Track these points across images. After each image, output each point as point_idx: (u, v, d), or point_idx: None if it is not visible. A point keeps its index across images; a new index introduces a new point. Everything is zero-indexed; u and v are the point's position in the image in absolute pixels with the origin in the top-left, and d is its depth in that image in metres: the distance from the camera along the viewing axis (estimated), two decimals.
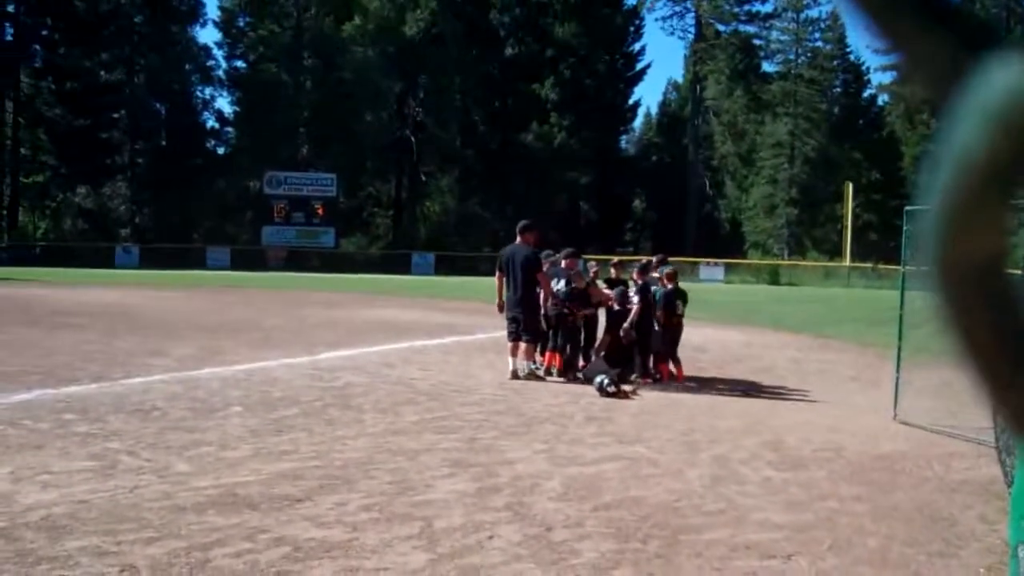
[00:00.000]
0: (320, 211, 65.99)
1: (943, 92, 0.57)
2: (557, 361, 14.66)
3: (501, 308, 14.72)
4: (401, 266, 60.41)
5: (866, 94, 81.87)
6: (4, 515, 6.91)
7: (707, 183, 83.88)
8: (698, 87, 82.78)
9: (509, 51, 77.55)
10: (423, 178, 78.32)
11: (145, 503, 7.30)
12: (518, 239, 14.91)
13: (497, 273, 14.81)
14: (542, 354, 14.90)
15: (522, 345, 14.35)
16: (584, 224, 77.57)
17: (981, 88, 0.55)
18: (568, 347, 14.57)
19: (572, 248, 15.38)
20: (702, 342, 14.21)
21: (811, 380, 15.31)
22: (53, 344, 15.11)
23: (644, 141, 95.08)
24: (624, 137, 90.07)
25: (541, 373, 14.43)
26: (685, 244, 72.92)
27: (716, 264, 61.71)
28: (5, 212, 70.05)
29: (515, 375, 14.06)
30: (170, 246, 59.95)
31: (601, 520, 7.19)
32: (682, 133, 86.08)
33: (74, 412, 10.91)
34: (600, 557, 6.33)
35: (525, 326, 14.25)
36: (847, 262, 58.90)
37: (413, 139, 76.06)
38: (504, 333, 14.86)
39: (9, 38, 71.44)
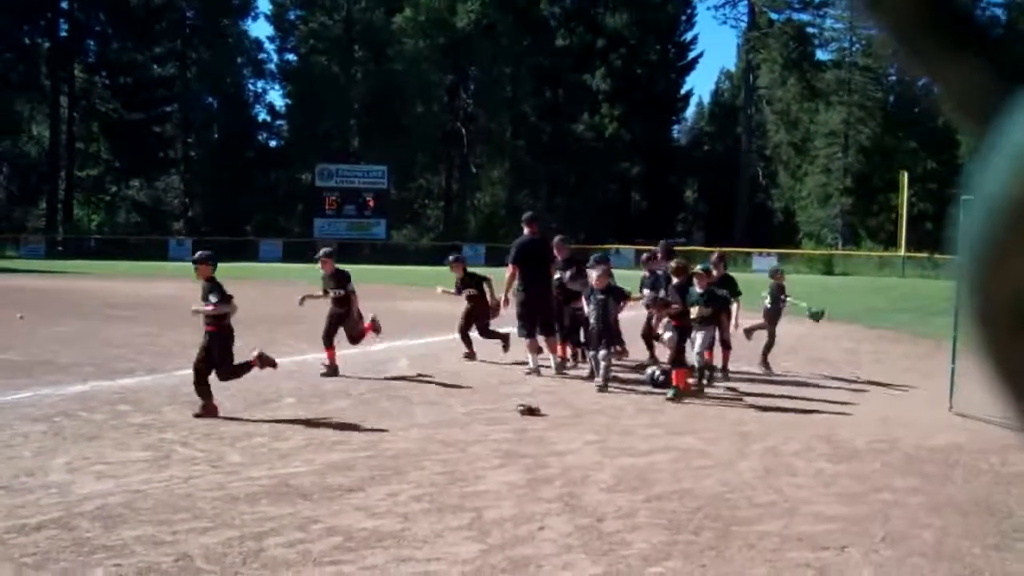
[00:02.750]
0: (371, 203, 66.22)
1: (978, 122, 0.55)
2: (563, 351, 14.49)
3: (507, 303, 14.50)
4: (447, 262, 60.61)
5: (922, 82, 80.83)
6: (61, 505, 7.01)
7: (760, 172, 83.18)
8: (751, 76, 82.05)
9: (560, 41, 77.29)
10: (474, 170, 78.39)
11: (199, 493, 7.37)
12: (525, 230, 14.42)
13: (512, 267, 14.15)
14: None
15: (541, 340, 14.04)
16: (635, 214, 77.27)
17: (1014, 129, 0.52)
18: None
19: (601, 254, 15.72)
20: (756, 333, 14.09)
21: (865, 371, 15.14)
22: (108, 336, 15.31)
23: (696, 131, 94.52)
24: (676, 127, 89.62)
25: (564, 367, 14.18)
26: (737, 234, 72.39)
27: (769, 254, 61.17)
28: (60, 205, 71.08)
29: (560, 369, 13.90)
30: (223, 239, 60.50)
31: (652, 511, 7.16)
32: (735, 122, 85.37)
33: (129, 403, 11.05)
34: (651, 548, 6.30)
35: (552, 321, 14.03)
36: (902, 252, 58.12)
37: (464, 131, 76.14)
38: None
39: (63, 33, 72.41)
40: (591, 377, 12.93)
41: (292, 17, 77.95)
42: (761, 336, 14.44)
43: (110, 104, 72.37)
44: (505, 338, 15.11)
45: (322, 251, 14.38)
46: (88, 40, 73.84)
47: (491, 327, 15.25)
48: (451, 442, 9.40)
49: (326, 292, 13.80)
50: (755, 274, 49.85)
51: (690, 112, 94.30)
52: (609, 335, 12.70)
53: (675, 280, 12.60)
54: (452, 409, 11.19)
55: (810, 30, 78.49)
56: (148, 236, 66.70)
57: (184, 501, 7.18)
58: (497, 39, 73.68)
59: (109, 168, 73.76)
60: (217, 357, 10.42)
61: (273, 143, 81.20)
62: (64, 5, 72.31)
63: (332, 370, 13.37)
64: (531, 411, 10.72)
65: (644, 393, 12.36)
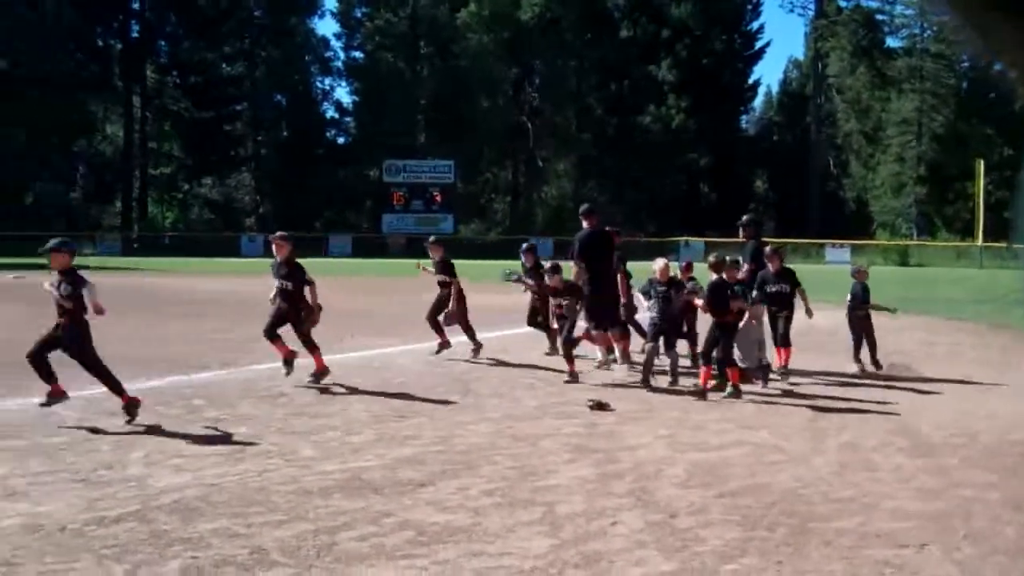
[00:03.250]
0: (438, 198, 66.50)
1: None
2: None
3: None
4: (519, 251, 60.46)
5: (997, 67, 79.04)
6: (138, 498, 7.10)
7: (831, 162, 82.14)
8: (820, 64, 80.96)
9: (624, 33, 76.90)
10: (540, 163, 78.35)
11: (273, 487, 7.43)
12: (585, 224, 13.98)
13: (579, 260, 13.67)
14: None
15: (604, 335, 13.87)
16: (704, 206, 76.69)
17: None
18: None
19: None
20: (830, 325, 13.82)
21: (942, 363, 14.84)
22: (182, 332, 15.55)
23: (765, 120, 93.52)
24: (744, 117, 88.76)
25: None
26: (809, 225, 71.53)
27: (842, 246, 60.40)
28: (135, 203, 72.29)
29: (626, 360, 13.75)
30: (293, 234, 61.07)
31: (726, 507, 7.07)
32: (804, 112, 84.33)
33: (203, 398, 11.18)
34: (725, 545, 6.22)
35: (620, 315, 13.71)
36: (979, 242, 57.00)
37: (529, 124, 76.13)
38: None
39: (135, 34, 73.64)
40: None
41: (358, 14, 78.56)
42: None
43: (181, 103, 73.52)
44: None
45: (277, 233, 13.01)
46: (159, 40, 75.07)
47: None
48: (522, 436, 9.38)
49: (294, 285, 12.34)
50: (828, 266, 49.27)
51: (758, 102, 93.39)
52: (676, 329, 12.57)
53: (713, 277, 12.14)
54: (522, 403, 11.17)
55: (880, 17, 77.35)
56: (220, 233, 67.57)
57: (258, 494, 7.24)
58: (561, 32, 73.54)
59: (181, 166, 74.95)
60: (74, 347, 9.87)
61: (341, 140, 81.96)
62: (136, 6, 73.62)
63: (287, 363, 12.19)
64: (601, 406, 10.65)
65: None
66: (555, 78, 76.56)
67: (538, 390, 12.04)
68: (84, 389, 10.41)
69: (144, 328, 18.07)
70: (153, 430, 9.49)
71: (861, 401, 11.53)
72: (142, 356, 11.71)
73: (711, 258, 12.26)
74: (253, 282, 32.57)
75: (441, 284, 14.90)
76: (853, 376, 13.45)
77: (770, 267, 13.11)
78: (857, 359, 13.78)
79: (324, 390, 11.85)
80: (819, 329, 15.80)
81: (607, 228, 14.63)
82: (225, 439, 9.10)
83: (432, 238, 15.75)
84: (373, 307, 14.13)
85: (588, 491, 7.46)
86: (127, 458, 8.31)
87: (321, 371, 12.09)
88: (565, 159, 77.61)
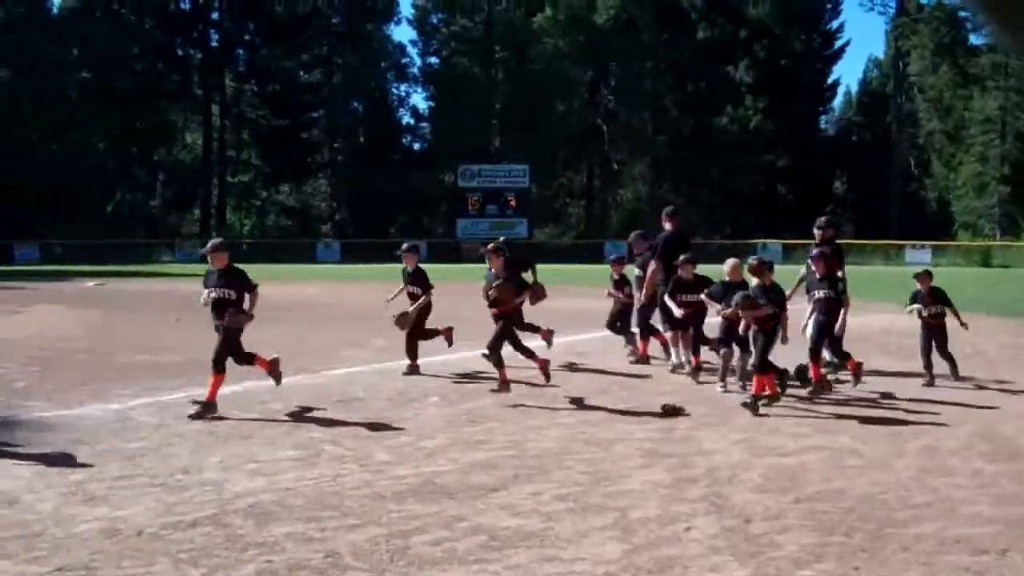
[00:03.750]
0: (513, 202, 66.57)
1: None
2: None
3: (650, 299, 14.18)
4: (594, 255, 60.25)
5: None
6: (215, 502, 7.20)
7: (912, 162, 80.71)
8: (900, 63, 79.61)
9: (701, 34, 76.37)
10: (615, 166, 78.10)
11: (347, 491, 7.49)
12: (668, 225, 14.27)
13: (658, 261, 13.88)
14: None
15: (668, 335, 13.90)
16: (782, 207, 75.82)
17: None
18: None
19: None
20: (909, 328, 13.52)
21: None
22: (259, 338, 15.59)
23: (844, 120, 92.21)
24: (823, 117, 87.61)
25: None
26: (889, 226, 70.37)
27: (923, 247, 59.32)
28: (214, 211, 73.43)
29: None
30: (368, 240, 61.52)
31: (803, 512, 6.98)
32: (884, 111, 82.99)
33: (279, 403, 11.31)
34: (801, 550, 6.14)
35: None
36: None
37: (604, 127, 75.95)
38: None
39: (214, 43, 74.85)
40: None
41: (434, 20, 79.01)
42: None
43: (259, 111, 74.55)
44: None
45: (210, 243, 11.39)
46: (238, 49, 76.13)
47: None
48: (595, 441, 9.35)
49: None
50: (909, 267, 48.42)
51: (838, 102, 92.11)
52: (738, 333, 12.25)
53: (729, 279, 12.04)
54: (595, 407, 11.13)
55: (962, 14, 75.74)
56: (297, 239, 68.35)
57: (333, 499, 7.30)
58: (637, 34, 73.24)
59: (259, 174, 75.98)
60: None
61: (417, 145, 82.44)
62: (215, 16, 74.77)
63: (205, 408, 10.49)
64: (675, 411, 10.57)
65: (789, 392, 12.04)
66: (630, 80, 76.25)
67: (612, 394, 11.99)
68: (163, 394, 10.59)
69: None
70: (229, 435, 9.62)
71: (940, 404, 11.30)
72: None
73: (751, 261, 11.80)
74: (328, 288, 32.97)
75: (412, 295, 13.99)
76: (919, 371, 13.11)
77: (815, 271, 12.33)
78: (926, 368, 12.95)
79: (398, 395, 11.92)
80: (897, 331, 15.55)
81: (638, 232, 14.86)
82: (300, 444, 9.19)
83: (405, 245, 14.65)
84: (447, 311, 14.15)
85: (662, 496, 7.41)
86: (204, 463, 8.43)
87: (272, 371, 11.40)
88: (640, 161, 77.24)
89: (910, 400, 11.59)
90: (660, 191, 72.80)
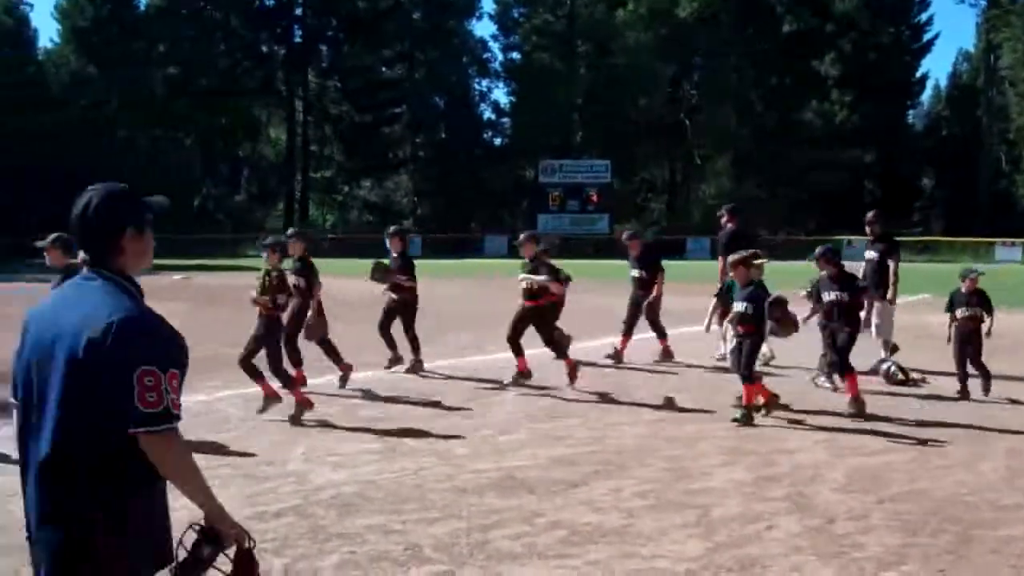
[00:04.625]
0: (594, 198, 66.29)
1: None
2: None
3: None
4: (676, 251, 59.81)
5: None
6: (298, 493, 7.32)
7: (1003, 158, 78.83)
8: (991, 56, 77.76)
9: (786, 28, 75.33)
10: (698, 161, 77.42)
11: (428, 484, 7.56)
12: (728, 223, 14.53)
13: (723, 257, 13.73)
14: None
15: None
16: (868, 204, 74.51)
17: None
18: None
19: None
20: (998, 329, 13.16)
21: None
22: (341, 332, 15.78)
23: (933, 115, 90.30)
24: (911, 112, 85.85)
25: None
26: (978, 223, 68.87)
27: (1013, 244, 57.95)
28: (297, 206, 74.30)
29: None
30: (449, 236, 61.82)
31: (887, 513, 6.89)
32: (975, 106, 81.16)
33: (360, 397, 11.44)
34: (885, 551, 6.06)
35: None
36: None
37: (687, 122, 75.30)
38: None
39: (297, 39, 75.69)
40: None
41: (515, 15, 78.99)
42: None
43: (342, 107, 75.23)
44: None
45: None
46: (320, 45, 76.83)
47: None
48: (676, 438, 9.31)
49: None
50: (999, 264, 47.40)
51: (926, 96, 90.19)
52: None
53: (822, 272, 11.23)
54: (678, 405, 11.07)
55: None
56: (378, 234, 68.94)
57: (414, 492, 7.37)
58: (720, 28, 72.49)
59: (341, 169, 76.69)
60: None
61: (498, 141, 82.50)
62: (298, 12, 75.57)
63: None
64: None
65: (874, 392, 11.85)
66: (713, 74, 75.48)
67: (694, 392, 11.91)
68: (247, 387, 10.75)
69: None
70: (312, 428, 9.75)
71: None
72: (304, 356, 12.04)
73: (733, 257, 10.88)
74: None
75: (396, 287, 13.31)
76: (1007, 373, 12.82)
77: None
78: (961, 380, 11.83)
79: (477, 390, 11.98)
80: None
81: (630, 231, 15.15)
82: (381, 437, 9.29)
83: (391, 229, 14.11)
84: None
85: (744, 494, 7.36)
86: (288, 454, 8.57)
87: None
88: (723, 156, 76.47)
89: (992, 402, 11.34)
90: (743, 187, 72.02)
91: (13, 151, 52.94)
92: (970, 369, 11.73)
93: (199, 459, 7.97)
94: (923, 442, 9.16)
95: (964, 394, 11.60)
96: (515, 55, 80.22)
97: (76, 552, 3.00)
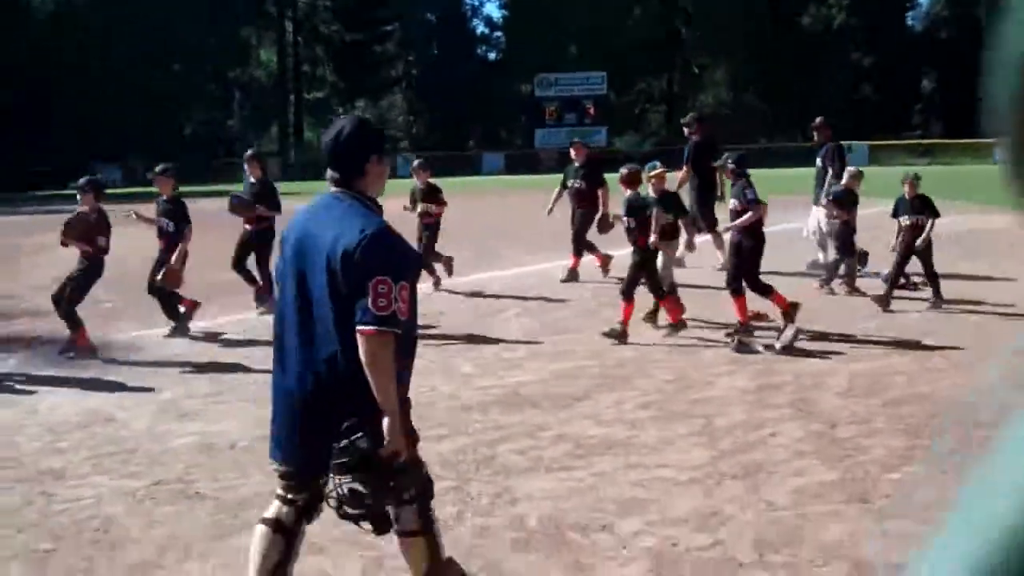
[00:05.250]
0: (591, 110, 65.80)
1: None
2: None
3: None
4: (676, 162, 59.50)
5: None
6: None
7: None
8: None
9: None
10: (695, 70, 76.73)
11: (434, 402, 7.58)
12: (694, 135, 14.75)
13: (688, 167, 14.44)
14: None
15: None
16: (868, 109, 74.02)
17: None
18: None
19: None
20: (997, 228, 13.08)
21: None
22: None
23: (932, 16, 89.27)
24: (910, 13, 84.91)
25: None
26: (978, 124, 68.41)
27: None
28: (291, 129, 73.78)
29: None
30: (446, 153, 61.52)
31: (890, 417, 6.91)
32: (975, 4, 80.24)
33: None
34: (889, 454, 6.09)
35: None
36: None
37: (683, 30, 74.47)
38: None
39: None
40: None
41: None
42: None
43: (332, 26, 74.28)
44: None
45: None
46: None
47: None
48: (677, 349, 9.32)
49: None
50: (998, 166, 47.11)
51: None
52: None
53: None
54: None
55: None
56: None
57: (419, 410, 7.35)
58: None
59: (335, 90, 75.99)
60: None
61: (492, 56, 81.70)
62: None
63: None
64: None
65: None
66: None
67: (694, 302, 11.86)
68: (247, 312, 10.75)
69: None
70: None
71: None
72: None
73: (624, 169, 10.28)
74: (404, 202, 33.01)
75: (424, 214, 12.93)
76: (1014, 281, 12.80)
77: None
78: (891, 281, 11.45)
79: (479, 308, 11.98)
80: (984, 232, 15.18)
81: (575, 140, 15.05)
82: None
83: (248, 152, 12.73)
84: (527, 223, 14.10)
85: (747, 402, 7.39)
86: None
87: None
88: (721, 65, 75.78)
89: (995, 304, 11.32)
90: (743, 95, 71.47)
91: None
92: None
93: (203, 386, 8.01)
94: (924, 347, 9.17)
95: (885, 300, 11.05)
96: None
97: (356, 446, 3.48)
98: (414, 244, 11.77)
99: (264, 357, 9.34)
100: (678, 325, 9.93)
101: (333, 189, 3.78)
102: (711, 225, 13.91)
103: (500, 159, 63.96)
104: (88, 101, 57.02)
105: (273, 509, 3.86)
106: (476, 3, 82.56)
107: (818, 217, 13.49)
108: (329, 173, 3.79)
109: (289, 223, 3.92)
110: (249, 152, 12.68)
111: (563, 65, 69.38)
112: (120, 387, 8.45)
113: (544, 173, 51.71)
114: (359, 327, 3.43)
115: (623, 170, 10.16)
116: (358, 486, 3.46)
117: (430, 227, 12.89)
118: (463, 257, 16.04)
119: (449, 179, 44.92)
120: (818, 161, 13.93)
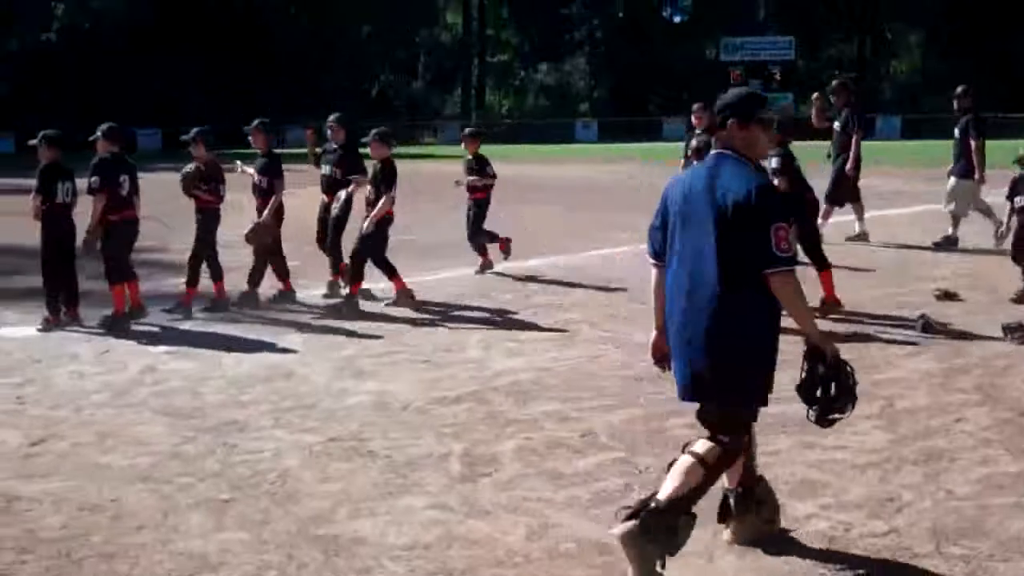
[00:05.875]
0: (778, 76, 64.28)
1: None
2: None
3: None
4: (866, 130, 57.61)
5: None
6: (477, 379, 7.45)
7: None
8: None
9: None
10: (888, 36, 73.98)
11: (604, 372, 7.58)
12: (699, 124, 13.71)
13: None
14: None
15: None
16: None
17: None
18: None
19: None
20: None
21: None
22: (519, 218, 15.96)
23: None
24: None
25: None
26: None
27: None
28: (474, 91, 74.39)
29: None
30: (627, 119, 60.98)
31: None
32: None
33: (537, 283, 11.50)
34: None
35: None
36: None
37: None
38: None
39: None
40: None
41: None
42: None
43: None
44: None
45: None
46: None
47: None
48: (858, 328, 9.04)
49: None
50: None
51: None
52: None
53: None
54: (860, 293, 10.69)
55: None
56: (555, 119, 68.45)
57: (589, 379, 7.40)
58: None
59: (518, 52, 76.23)
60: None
61: (677, 19, 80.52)
62: None
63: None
64: (948, 295, 10.05)
65: None
66: None
67: (878, 278, 11.52)
68: (420, 275, 10.92)
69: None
70: (488, 314, 9.87)
71: None
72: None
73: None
74: (587, 168, 33.04)
75: (472, 188, 12.39)
76: None
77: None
78: None
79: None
80: None
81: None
82: (557, 324, 9.33)
83: (254, 123, 11.17)
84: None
85: (931, 385, 7.14)
86: (465, 341, 8.72)
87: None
88: (916, 31, 72.85)
89: None
90: (937, 63, 68.55)
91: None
92: None
93: (379, 345, 8.20)
94: None
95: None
96: None
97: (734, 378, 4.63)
98: (463, 222, 12.01)
99: (442, 318, 9.54)
100: None
101: (717, 150, 4.50)
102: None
103: (682, 124, 63.09)
104: (273, 62, 58.76)
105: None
106: None
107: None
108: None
109: (670, 180, 4.66)
110: (254, 123, 11.20)
111: (750, 29, 67.93)
112: (301, 344, 8.73)
113: None
114: (771, 271, 4.06)
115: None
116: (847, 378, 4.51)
117: (479, 202, 12.29)
118: (645, 224, 15.92)
119: (629, 145, 44.77)
120: (955, 132, 13.39)
